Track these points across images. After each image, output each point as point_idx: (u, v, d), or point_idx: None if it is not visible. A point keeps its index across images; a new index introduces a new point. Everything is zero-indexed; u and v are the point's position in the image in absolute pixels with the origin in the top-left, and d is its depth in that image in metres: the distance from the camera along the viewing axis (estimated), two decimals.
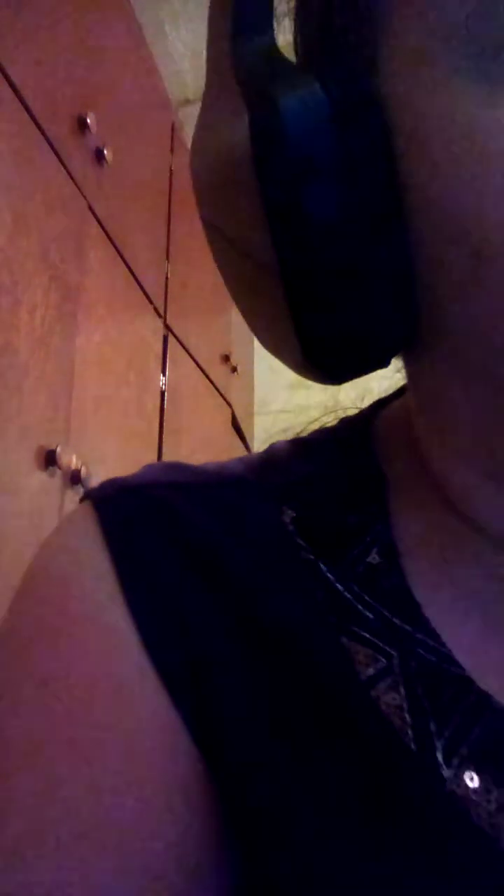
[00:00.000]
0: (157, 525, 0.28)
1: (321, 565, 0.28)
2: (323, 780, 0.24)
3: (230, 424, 1.85)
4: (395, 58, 0.22)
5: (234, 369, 1.88)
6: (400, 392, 0.34)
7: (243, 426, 1.95)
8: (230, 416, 1.84)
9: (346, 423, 0.35)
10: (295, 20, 0.27)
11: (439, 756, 0.24)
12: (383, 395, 0.36)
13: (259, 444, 1.50)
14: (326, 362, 0.24)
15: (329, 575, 0.28)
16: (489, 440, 0.26)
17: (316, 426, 0.36)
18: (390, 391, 0.35)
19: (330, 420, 0.36)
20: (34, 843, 0.22)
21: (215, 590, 0.27)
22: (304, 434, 0.35)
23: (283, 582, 0.27)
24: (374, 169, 0.22)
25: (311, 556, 0.28)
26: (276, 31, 0.24)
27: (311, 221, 0.21)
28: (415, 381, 0.29)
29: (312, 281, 0.22)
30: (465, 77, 0.20)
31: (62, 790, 0.23)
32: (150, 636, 0.25)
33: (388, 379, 0.33)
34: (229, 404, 1.83)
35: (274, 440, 0.36)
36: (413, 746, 0.24)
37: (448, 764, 0.24)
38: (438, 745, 0.24)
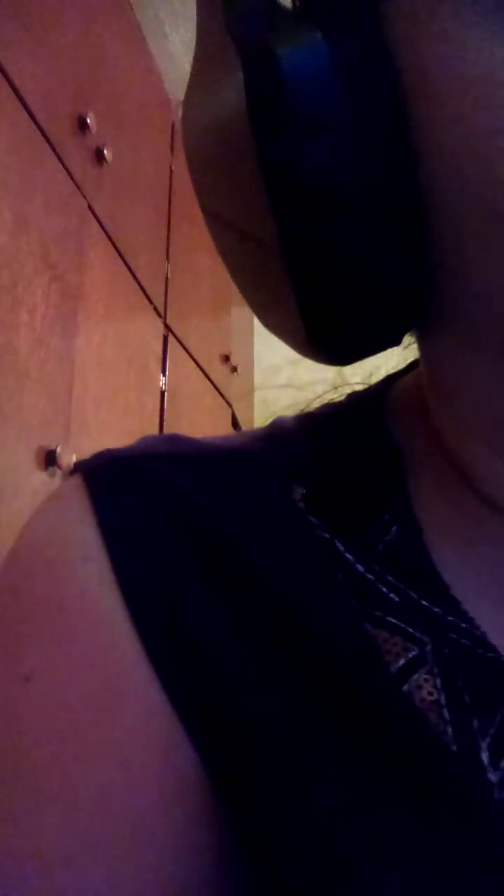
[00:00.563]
0: (154, 501, 0.25)
1: (338, 544, 0.25)
2: (350, 786, 0.22)
3: (230, 424, 1.85)
4: (402, 8, 0.20)
5: (234, 369, 1.88)
6: (411, 367, 0.32)
7: (243, 426, 1.95)
8: (230, 416, 1.84)
9: (356, 398, 0.32)
10: None
11: (484, 757, 0.21)
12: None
13: None
14: (332, 340, 0.22)
15: (348, 555, 0.25)
16: (501, 416, 0.24)
17: (321, 402, 0.33)
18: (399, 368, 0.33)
19: (336, 396, 0.33)
20: (18, 843, 0.21)
21: (218, 573, 0.24)
22: (310, 410, 0.33)
23: (296, 561, 0.25)
24: (384, 124, 0.20)
25: (327, 535, 0.26)
26: None
27: (314, 185, 0.19)
28: (428, 358, 0.27)
29: (316, 251, 0.20)
30: (476, 25, 0.18)
31: (48, 790, 0.22)
32: (144, 625, 0.23)
33: (396, 356, 0.31)
34: (229, 404, 1.83)
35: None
36: (454, 747, 0.22)
37: (495, 766, 0.21)
38: (483, 744, 0.22)
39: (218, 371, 1.76)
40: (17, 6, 0.91)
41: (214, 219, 0.25)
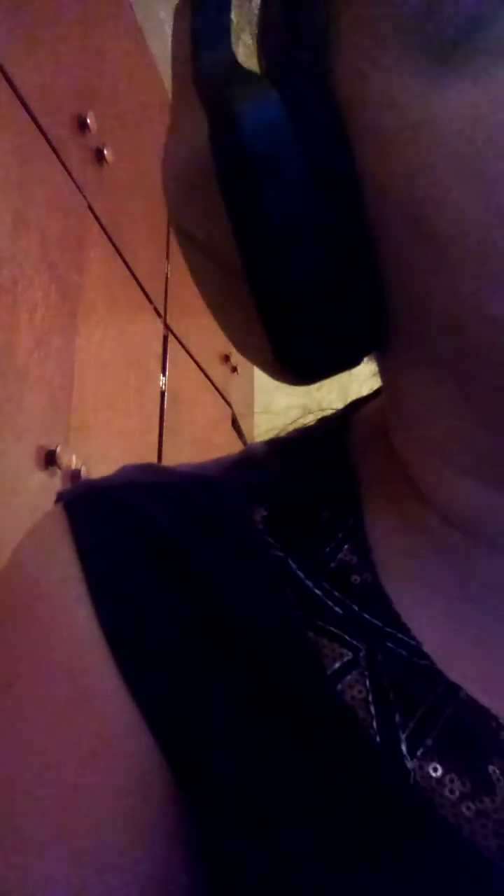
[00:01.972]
0: (126, 527, 0.28)
1: (290, 562, 0.28)
2: (289, 773, 0.24)
3: (230, 424, 1.85)
4: (347, 56, 0.23)
5: (234, 369, 1.88)
6: (379, 392, 0.34)
7: (243, 426, 1.95)
8: (230, 416, 1.84)
9: (324, 423, 0.35)
10: (256, 39, 0.28)
11: (403, 747, 0.24)
12: None
13: None
14: (297, 362, 0.25)
15: (298, 572, 0.28)
16: (458, 434, 0.26)
17: (295, 427, 0.36)
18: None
19: (309, 420, 0.36)
20: None
21: (183, 589, 0.27)
22: (282, 435, 0.36)
23: (251, 580, 0.27)
24: (332, 165, 0.22)
25: (281, 554, 0.28)
26: (236, 45, 0.25)
27: (271, 220, 0.22)
28: (386, 378, 0.29)
29: (277, 280, 0.23)
30: (414, 68, 0.20)
31: (24, 792, 0.24)
32: (114, 638, 0.26)
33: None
34: (229, 404, 1.83)
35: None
36: (377, 739, 0.24)
37: (412, 755, 0.24)
38: (402, 736, 0.24)
39: (218, 371, 1.76)
40: (17, 7, 0.91)
41: (184, 237, 0.27)
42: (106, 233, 1.15)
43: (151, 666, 0.26)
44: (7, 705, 0.25)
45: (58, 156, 0.99)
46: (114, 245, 1.18)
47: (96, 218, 1.11)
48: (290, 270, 0.23)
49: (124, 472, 0.32)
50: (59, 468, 0.88)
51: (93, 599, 0.26)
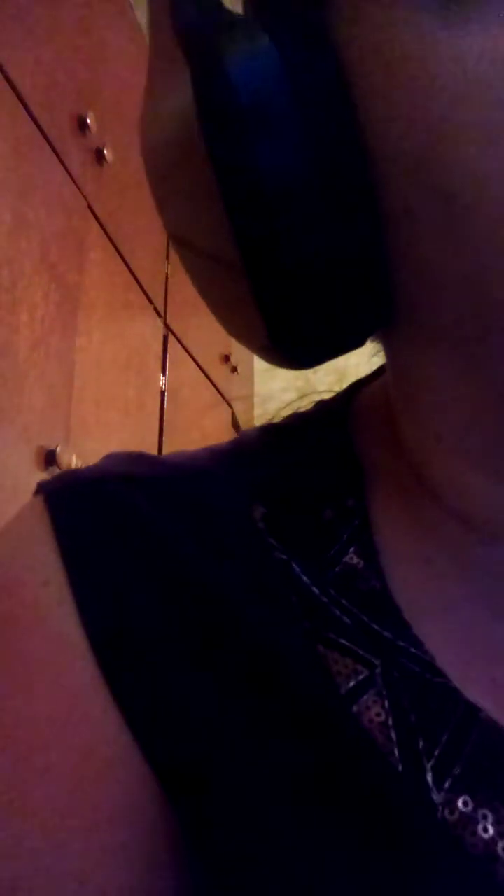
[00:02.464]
0: (113, 523, 0.25)
1: (294, 566, 0.26)
2: (300, 806, 0.22)
3: (230, 424, 1.85)
4: (346, 1, 0.20)
5: (234, 369, 1.88)
6: (378, 372, 0.31)
7: (243, 426, 1.95)
8: (230, 416, 1.84)
9: (322, 408, 0.32)
10: None
11: (429, 778, 0.21)
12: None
13: None
14: (294, 344, 0.22)
15: (304, 577, 0.25)
16: (474, 423, 0.23)
17: (289, 411, 0.33)
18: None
19: (304, 405, 0.33)
20: None
21: (177, 595, 0.24)
22: (277, 420, 0.32)
23: (252, 585, 0.25)
24: (332, 118, 0.20)
25: (284, 557, 0.26)
26: None
27: (265, 182, 0.19)
28: (392, 361, 0.27)
29: (271, 252, 0.20)
30: (420, 14, 0.18)
31: (7, 807, 0.22)
32: (101, 646, 0.23)
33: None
34: (229, 404, 1.83)
35: None
36: (399, 767, 0.22)
37: (439, 787, 0.21)
38: (428, 765, 0.22)
39: (218, 371, 1.76)
40: (17, 6, 0.91)
41: (175, 229, 0.25)
42: (106, 233, 1.15)
43: (142, 680, 0.23)
44: None
45: (58, 156, 0.99)
46: (114, 245, 1.18)
47: (96, 218, 1.11)
48: (285, 242, 0.20)
49: (111, 460, 0.29)
50: (59, 468, 0.88)
51: (77, 605, 0.24)
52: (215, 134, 0.19)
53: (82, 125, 1.07)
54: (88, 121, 1.07)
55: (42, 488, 0.27)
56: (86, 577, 0.24)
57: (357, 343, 0.24)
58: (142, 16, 1.42)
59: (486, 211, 0.18)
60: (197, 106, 0.19)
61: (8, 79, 0.87)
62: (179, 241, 0.24)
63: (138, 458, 0.29)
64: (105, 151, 1.12)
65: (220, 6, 0.21)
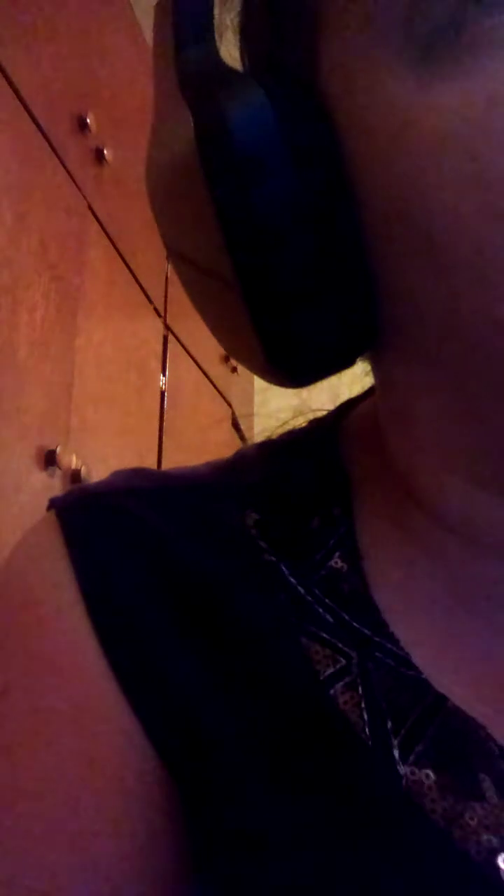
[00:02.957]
0: (118, 532, 0.28)
1: (283, 568, 0.28)
2: (283, 776, 0.24)
3: (230, 424, 1.85)
4: (334, 59, 0.22)
5: (234, 369, 1.88)
6: (369, 392, 0.34)
7: (243, 426, 1.95)
8: (230, 416, 1.84)
9: (315, 424, 0.35)
10: (239, 33, 0.27)
11: (396, 753, 0.24)
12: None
13: None
14: (289, 365, 0.24)
15: (291, 578, 0.28)
16: (455, 434, 0.25)
17: (286, 429, 0.36)
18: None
19: (300, 422, 0.36)
20: None
21: (177, 594, 0.27)
22: (274, 437, 0.35)
23: (244, 584, 0.28)
24: (321, 164, 0.22)
25: (273, 559, 0.28)
26: (219, 44, 0.24)
27: (261, 222, 0.21)
28: (379, 379, 0.29)
29: (268, 282, 0.22)
30: (401, 70, 0.20)
31: (22, 798, 0.24)
32: (109, 642, 0.26)
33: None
34: (229, 404, 1.83)
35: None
36: (370, 743, 0.24)
37: (405, 761, 0.24)
38: (395, 742, 0.24)
39: (218, 371, 1.76)
40: (17, 6, 0.91)
41: (177, 256, 0.27)
42: (106, 233, 1.15)
43: (147, 670, 0.26)
44: (3, 714, 0.25)
45: (58, 156, 0.99)
46: (114, 245, 1.18)
47: (96, 218, 1.11)
48: (281, 274, 0.22)
49: (116, 476, 0.32)
50: (59, 468, 0.88)
51: (86, 605, 0.26)
52: (216, 181, 0.22)
53: (82, 125, 1.07)
54: (88, 121, 1.07)
55: (53, 504, 0.30)
56: (94, 582, 0.27)
57: (347, 363, 0.26)
58: (142, 16, 1.42)
59: (462, 250, 0.20)
60: (199, 155, 0.22)
61: (8, 79, 0.87)
62: (180, 261, 0.27)
63: (140, 473, 0.32)
64: (105, 151, 1.12)
65: (219, 61, 0.24)
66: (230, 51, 0.26)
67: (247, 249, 0.22)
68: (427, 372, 0.24)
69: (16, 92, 0.89)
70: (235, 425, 1.88)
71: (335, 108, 0.22)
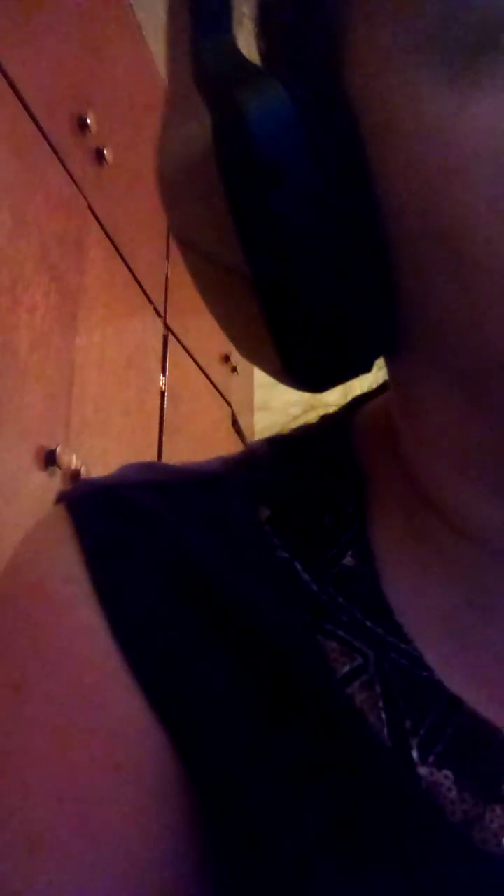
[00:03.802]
0: (130, 524, 0.27)
1: (296, 564, 0.28)
2: (300, 776, 0.24)
3: (230, 424, 1.85)
4: (362, 58, 0.21)
5: (234, 369, 1.88)
6: (380, 389, 0.34)
7: (243, 425, 1.95)
8: (230, 416, 1.84)
9: (326, 421, 0.34)
10: (257, 21, 0.25)
11: (414, 754, 0.24)
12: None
13: None
14: (306, 372, 0.24)
15: (305, 575, 0.27)
16: (471, 444, 0.25)
17: (297, 424, 0.35)
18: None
19: (311, 418, 0.35)
20: (5, 854, 0.23)
21: (189, 587, 0.26)
22: (284, 433, 0.35)
23: (258, 579, 0.27)
24: (345, 171, 0.21)
25: (287, 555, 0.28)
26: (236, 32, 0.23)
27: (281, 228, 0.21)
28: (396, 382, 0.29)
29: (287, 288, 0.22)
30: (434, 78, 0.19)
31: (36, 797, 0.23)
32: (123, 635, 0.25)
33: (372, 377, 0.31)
34: (229, 404, 1.83)
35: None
36: (388, 743, 0.24)
37: (423, 762, 0.24)
38: (413, 742, 0.24)
39: (218, 371, 1.76)
40: (18, 6, 0.91)
41: (188, 246, 0.26)
42: (106, 233, 1.15)
43: (162, 664, 0.25)
44: (16, 712, 0.25)
45: (58, 156, 0.99)
46: (114, 245, 1.18)
47: (96, 218, 1.11)
48: (299, 280, 0.21)
49: (126, 470, 0.31)
50: (59, 468, 0.88)
51: (99, 599, 0.26)
52: (235, 183, 0.21)
53: (82, 125, 1.07)
54: (88, 121, 1.07)
55: (63, 496, 0.29)
56: (106, 574, 0.26)
57: (364, 370, 0.25)
58: (142, 16, 1.42)
59: (489, 266, 0.19)
60: (217, 156, 0.21)
61: (8, 79, 0.87)
62: (191, 250, 0.26)
63: (151, 467, 0.32)
64: (105, 151, 1.12)
65: (238, 53, 0.22)
66: (245, 40, 0.25)
67: (264, 255, 0.21)
68: (445, 380, 0.24)
69: (16, 92, 0.89)
70: (235, 425, 1.88)
71: (360, 110, 0.21)
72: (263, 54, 0.26)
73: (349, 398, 0.35)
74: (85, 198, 1.07)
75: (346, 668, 0.25)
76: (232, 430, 1.86)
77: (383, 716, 0.24)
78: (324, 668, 0.25)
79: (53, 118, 0.98)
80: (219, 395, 1.76)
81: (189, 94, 0.23)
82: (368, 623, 0.26)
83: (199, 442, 1.54)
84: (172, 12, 0.24)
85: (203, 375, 1.64)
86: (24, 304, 0.86)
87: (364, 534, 0.28)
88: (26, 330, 0.86)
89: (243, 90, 0.21)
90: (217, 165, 0.21)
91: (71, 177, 1.03)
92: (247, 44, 0.25)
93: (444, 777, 0.23)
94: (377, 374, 0.31)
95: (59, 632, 0.26)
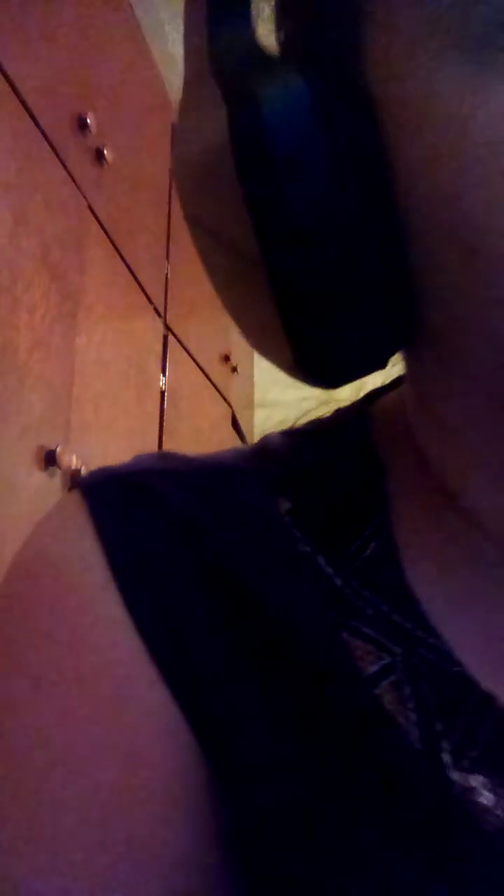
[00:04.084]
0: (148, 512, 0.27)
1: (318, 558, 0.27)
2: (325, 778, 0.23)
3: (230, 424, 1.85)
4: (381, 47, 0.21)
5: (234, 369, 1.88)
6: (394, 383, 0.33)
7: (243, 426, 1.95)
8: (230, 416, 1.84)
9: (341, 415, 0.33)
10: (274, 10, 0.25)
11: (446, 757, 0.23)
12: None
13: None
14: (319, 367, 0.23)
15: (328, 568, 0.27)
16: (489, 439, 0.25)
17: (310, 418, 0.35)
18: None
19: (323, 413, 0.34)
20: (29, 848, 0.22)
21: (209, 577, 0.26)
22: (298, 426, 0.34)
23: (279, 572, 0.26)
24: (362, 163, 0.21)
25: (309, 549, 0.27)
26: (254, 21, 0.23)
27: (297, 221, 0.20)
28: (414, 376, 0.28)
29: (301, 283, 0.21)
30: (455, 66, 0.19)
31: (59, 794, 0.23)
32: (145, 624, 0.25)
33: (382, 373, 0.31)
34: (229, 404, 1.83)
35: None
36: (419, 746, 0.23)
37: (456, 766, 0.23)
38: (446, 746, 0.23)
39: (218, 371, 1.76)
40: (18, 6, 0.91)
41: (199, 228, 0.25)
42: (106, 233, 1.15)
43: (185, 655, 0.25)
44: (36, 707, 0.24)
45: (58, 156, 0.99)
46: (114, 245, 1.18)
47: (96, 218, 1.11)
48: (313, 272, 0.21)
49: (141, 458, 0.30)
50: (59, 468, 0.88)
51: (119, 588, 0.25)
52: (250, 173, 0.20)
53: (82, 125, 1.07)
54: (88, 121, 1.07)
55: (78, 483, 0.28)
56: (126, 563, 0.26)
57: (380, 366, 0.25)
58: (142, 16, 1.42)
59: None
60: (233, 149, 0.21)
61: (8, 79, 0.87)
62: (205, 234, 0.25)
63: (167, 456, 0.31)
64: (105, 151, 1.12)
65: (256, 44, 0.22)
66: (263, 30, 0.24)
67: (279, 247, 0.21)
68: (464, 374, 0.24)
69: (16, 92, 0.89)
70: (235, 425, 1.88)
71: (379, 100, 0.21)
72: (281, 44, 0.25)
73: (361, 394, 0.34)
74: (85, 198, 1.07)
75: (374, 668, 0.24)
76: (232, 430, 1.86)
77: (413, 717, 0.23)
78: (350, 667, 0.24)
79: (53, 118, 0.98)
80: (219, 395, 1.76)
81: (204, 81, 0.22)
82: (395, 617, 0.25)
83: (199, 442, 1.54)
84: (189, 7, 0.24)
85: (203, 375, 1.64)
86: (24, 304, 0.86)
87: (387, 526, 0.28)
88: (26, 330, 0.86)
89: (260, 81, 0.20)
90: (233, 156, 0.21)
91: (71, 177, 1.03)
92: (264, 34, 0.24)
93: (478, 782, 0.22)
94: (389, 370, 0.31)
95: (81, 623, 0.25)
